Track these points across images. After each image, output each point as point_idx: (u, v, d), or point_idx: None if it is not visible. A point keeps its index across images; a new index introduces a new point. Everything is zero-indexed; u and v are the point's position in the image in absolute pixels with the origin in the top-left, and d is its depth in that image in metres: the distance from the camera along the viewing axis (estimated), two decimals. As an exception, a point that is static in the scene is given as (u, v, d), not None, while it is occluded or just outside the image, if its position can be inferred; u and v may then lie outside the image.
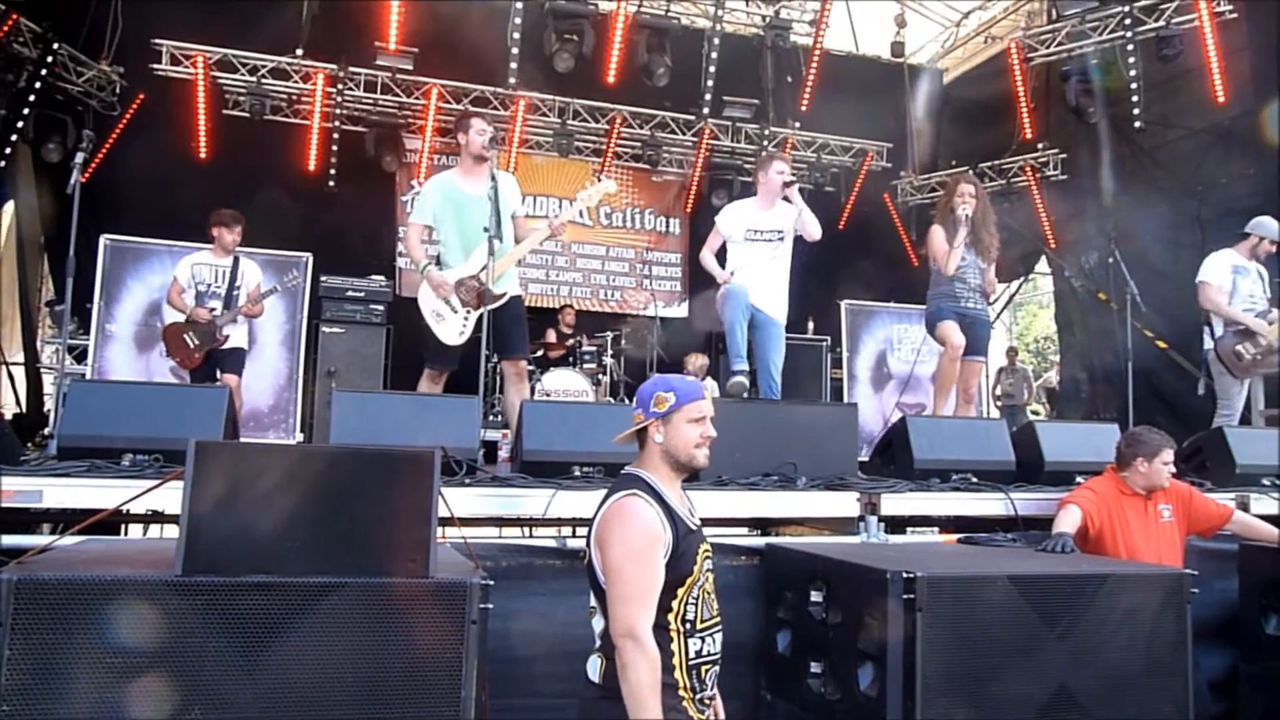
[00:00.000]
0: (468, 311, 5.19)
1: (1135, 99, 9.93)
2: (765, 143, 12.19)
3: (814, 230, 5.55)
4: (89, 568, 2.23)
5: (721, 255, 5.80)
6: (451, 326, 5.21)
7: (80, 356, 8.66)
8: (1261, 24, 8.96)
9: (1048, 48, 10.86)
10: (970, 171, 12.05)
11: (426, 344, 5.27)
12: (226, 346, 6.64)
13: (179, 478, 2.29)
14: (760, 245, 5.61)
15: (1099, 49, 10.34)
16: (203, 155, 10.05)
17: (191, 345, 6.51)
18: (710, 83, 10.94)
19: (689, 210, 12.56)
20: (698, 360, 10.03)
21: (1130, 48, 9.90)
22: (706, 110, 11.35)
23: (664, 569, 2.44)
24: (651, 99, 11.43)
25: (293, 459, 2.42)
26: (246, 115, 10.28)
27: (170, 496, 2.96)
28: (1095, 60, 10.37)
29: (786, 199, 5.59)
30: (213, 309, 6.58)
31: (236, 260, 6.75)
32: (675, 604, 2.47)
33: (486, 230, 4.91)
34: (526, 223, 5.61)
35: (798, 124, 12.20)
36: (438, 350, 5.24)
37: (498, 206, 4.97)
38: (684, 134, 12.04)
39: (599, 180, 5.81)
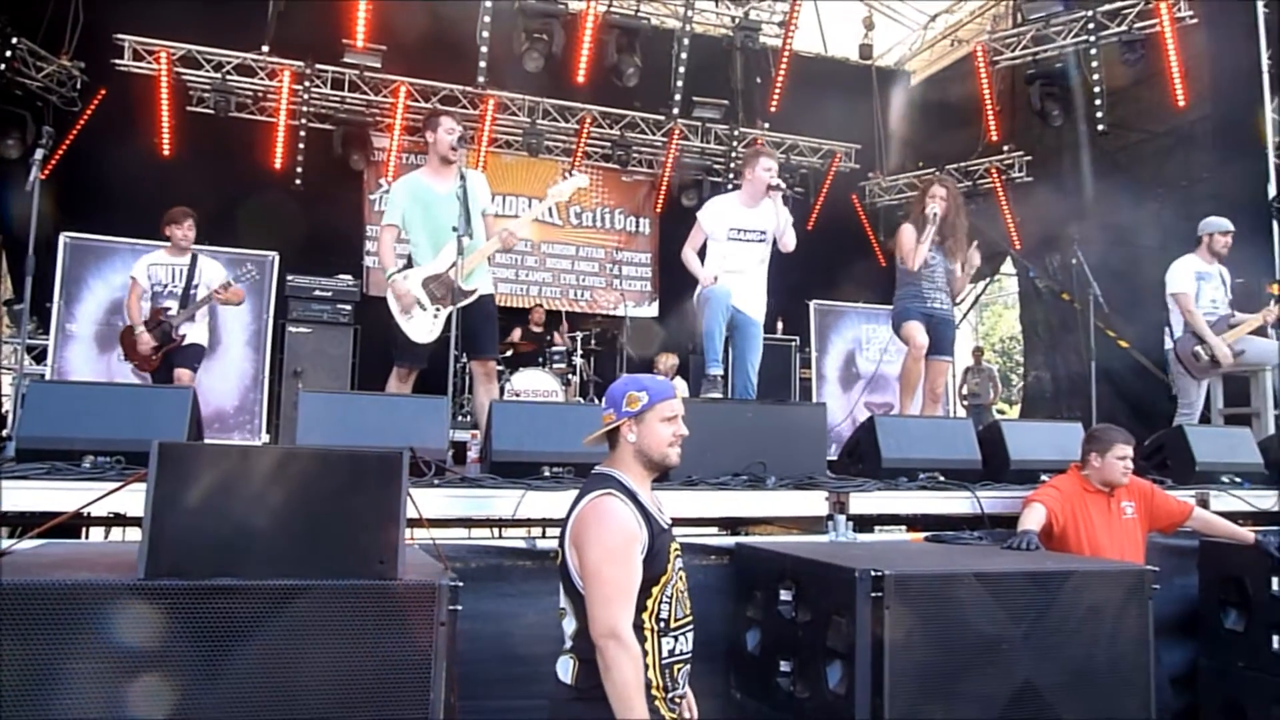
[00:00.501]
0: (438, 308, 5.16)
1: (1099, 103, 10.08)
2: (735, 143, 12.24)
3: (789, 241, 5.58)
4: (48, 572, 2.19)
5: (702, 252, 5.77)
6: (421, 324, 5.16)
7: (39, 357, 8.51)
8: (1221, 29, 9.12)
9: (1013, 51, 11.00)
10: (941, 173, 12.20)
11: (395, 341, 5.23)
12: (185, 344, 6.46)
13: (141, 480, 2.26)
14: (743, 245, 5.59)
15: (1063, 53, 10.48)
16: (166, 152, 9.92)
17: (147, 347, 6.34)
18: (680, 83, 10.98)
19: (659, 210, 12.58)
20: (668, 360, 10.06)
21: (1094, 52, 10.04)
22: (676, 110, 11.38)
23: (641, 567, 2.45)
24: (621, 99, 11.45)
25: (258, 460, 2.39)
26: (211, 112, 10.18)
27: (133, 499, 2.92)
28: (1059, 64, 10.51)
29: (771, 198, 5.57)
30: (168, 308, 6.38)
31: (194, 259, 6.56)
32: (650, 603, 2.48)
33: (455, 230, 4.88)
34: (497, 221, 5.59)
35: (767, 125, 12.26)
36: (406, 348, 5.19)
37: (467, 205, 4.95)
38: (654, 134, 12.06)
39: (570, 175, 5.78)
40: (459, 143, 5.23)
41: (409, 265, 5.29)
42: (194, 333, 6.53)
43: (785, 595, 3.23)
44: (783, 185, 5.56)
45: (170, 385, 5.99)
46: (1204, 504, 4.62)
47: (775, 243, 5.65)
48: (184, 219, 6.50)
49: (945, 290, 5.98)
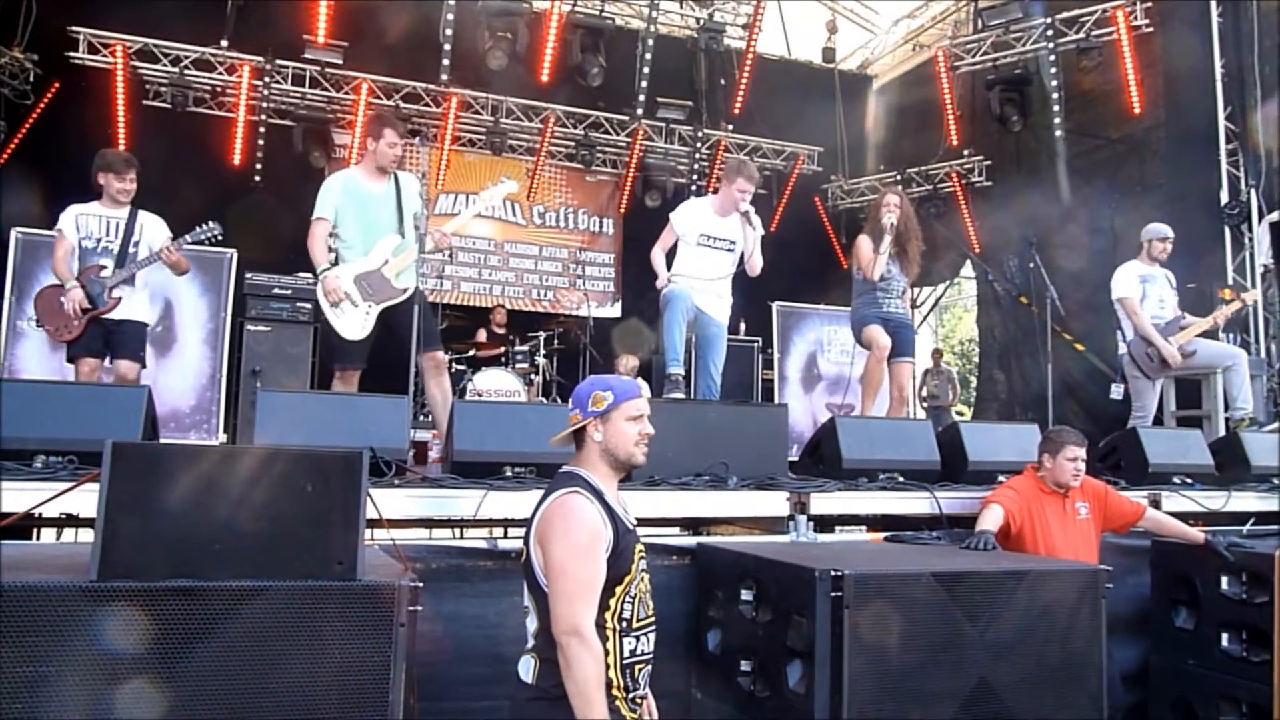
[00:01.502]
0: (369, 305, 5.13)
1: (1057, 109, 10.24)
2: (698, 144, 12.27)
3: (756, 264, 5.63)
4: (-2, 574, 2.15)
5: (671, 253, 5.80)
6: (352, 320, 5.11)
7: (-10, 353, 8.32)
8: (1175, 39, 9.32)
9: (974, 56, 11.15)
10: (901, 177, 12.34)
11: (328, 344, 5.19)
12: (118, 315, 5.35)
13: (95, 480, 2.22)
14: (711, 251, 5.65)
15: (1022, 59, 10.65)
16: (122, 146, 9.72)
17: (71, 310, 5.22)
18: (644, 84, 11.00)
19: (622, 210, 12.59)
20: (629, 361, 10.06)
21: (1052, 59, 10.21)
22: (640, 111, 11.40)
23: (605, 566, 2.45)
24: (585, 99, 11.44)
25: (215, 460, 2.36)
26: (168, 107, 10.01)
27: (85, 499, 2.87)
28: (1018, 70, 10.67)
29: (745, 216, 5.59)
30: (102, 266, 5.33)
31: (134, 213, 5.50)
32: (613, 602, 2.48)
33: (400, 231, 4.91)
34: (433, 222, 5.56)
35: (730, 126, 12.32)
36: (341, 348, 5.15)
37: (400, 204, 4.99)
38: (618, 134, 12.07)
39: (502, 180, 5.74)
40: (397, 159, 5.23)
41: (337, 262, 5.26)
42: (133, 305, 5.47)
43: (746, 595, 3.25)
44: (752, 213, 5.57)
45: (125, 385, 5.38)
46: (1156, 504, 4.71)
47: (743, 259, 5.67)
48: (126, 169, 5.46)
49: (900, 298, 6.10)
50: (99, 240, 5.42)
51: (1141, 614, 4.54)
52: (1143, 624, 4.54)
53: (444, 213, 10.96)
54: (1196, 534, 4.35)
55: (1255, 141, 8.58)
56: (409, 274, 5.22)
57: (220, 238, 5.75)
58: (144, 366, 5.60)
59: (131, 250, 5.44)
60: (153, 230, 5.57)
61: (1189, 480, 5.16)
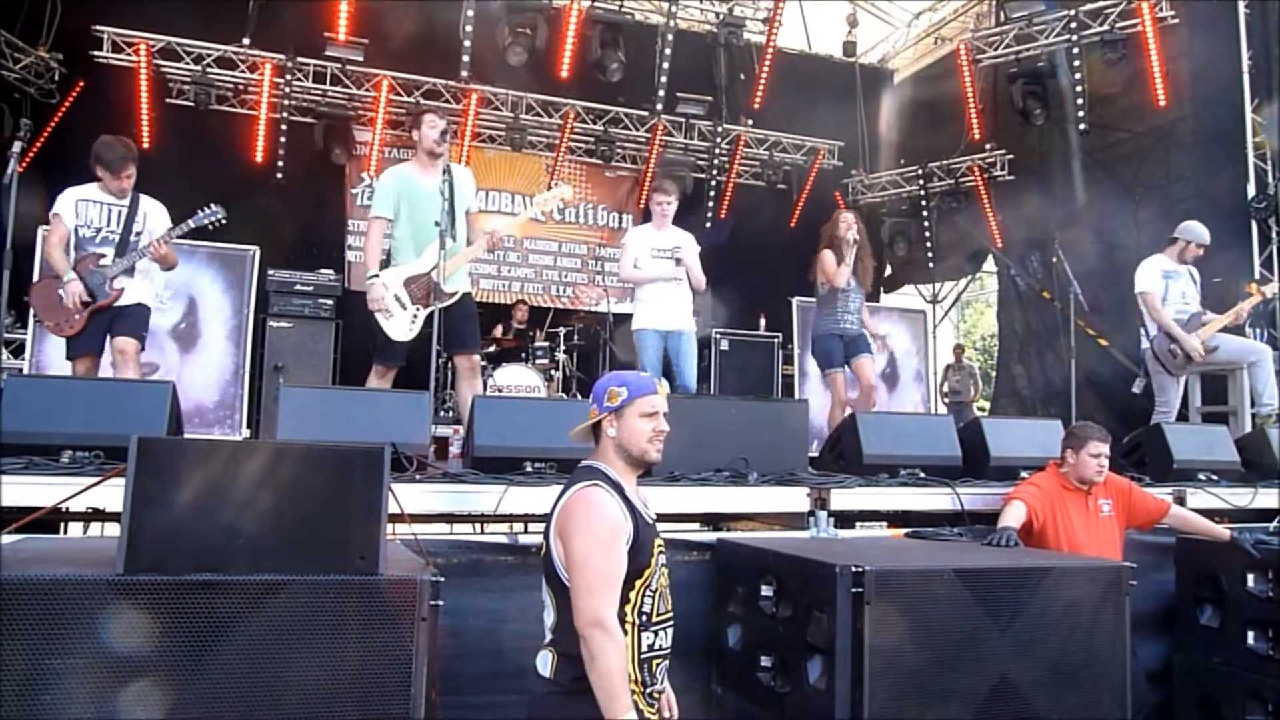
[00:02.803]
0: (417, 308, 5.15)
1: (1080, 102, 10.14)
2: (718, 139, 12.24)
3: (698, 281, 6.32)
4: (26, 567, 2.18)
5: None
6: (400, 323, 5.16)
7: (17, 351, 8.42)
8: (1201, 30, 9.20)
9: (995, 50, 11.05)
10: (920, 176, 12.30)
11: (374, 339, 5.22)
12: (121, 303, 5.18)
13: (120, 475, 2.25)
14: (664, 261, 6.29)
15: (1045, 52, 10.54)
16: (145, 145, 9.80)
17: (70, 303, 5.01)
18: (664, 79, 10.96)
19: (641, 206, 12.55)
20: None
21: (1076, 51, 10.10)
22: (660, 106, 11.37)
23: (626, 559, 2.45)
24: (605, 94, 11.43)
25: (239, 455, 2.38)
26: (191, 105, 10.09)
27: (111, 494, 2.91)
28: (1041, 63, 10.57)
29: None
30: (101, 255, 5.13)
31: (135, 199, 5.29)
32: (633, 596, 2.48)
33: (438, 224, 4.88)
34: (480, 219, 5.59)
35: (750, 121, 12.27)
36: (385, 346, 5.19)
37: (452, 203, 4.95)
38: (637, 130, 12.05)
39: (556, 185, 5.83)
40: (442, 137, 5.23)
41: (388, 262, 5.28)
42: (135, 290, 5.26)
43: (766, 591, 3.24)
44: (679, 259, 6.24)
45: (151, 380, 5.43)
46: (1181, 501, 4.67)
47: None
48: (122, 167, 5.15)
49: (857, 311, 6.67)
50: (99, 230, 5.21)
51: (1166, 612, 4.50)
52: (1167, 622, 4.50)
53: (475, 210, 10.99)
54: (1222, 531, 4.31)
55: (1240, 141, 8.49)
56: (460, 275, 5.25)
57: (224, 221, 5.51)
58: (143, 346, 5.34)
59: (133, 239, 5.23)
60: (155, 218, 5.37)
61: (1214, 477, 5.11)
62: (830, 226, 6.69)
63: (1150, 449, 5.31)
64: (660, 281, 6.23)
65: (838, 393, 6.66)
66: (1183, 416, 6.63)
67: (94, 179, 5.23)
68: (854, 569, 2.79)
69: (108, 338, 5.18)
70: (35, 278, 5.80)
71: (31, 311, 5.47)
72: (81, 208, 5.20)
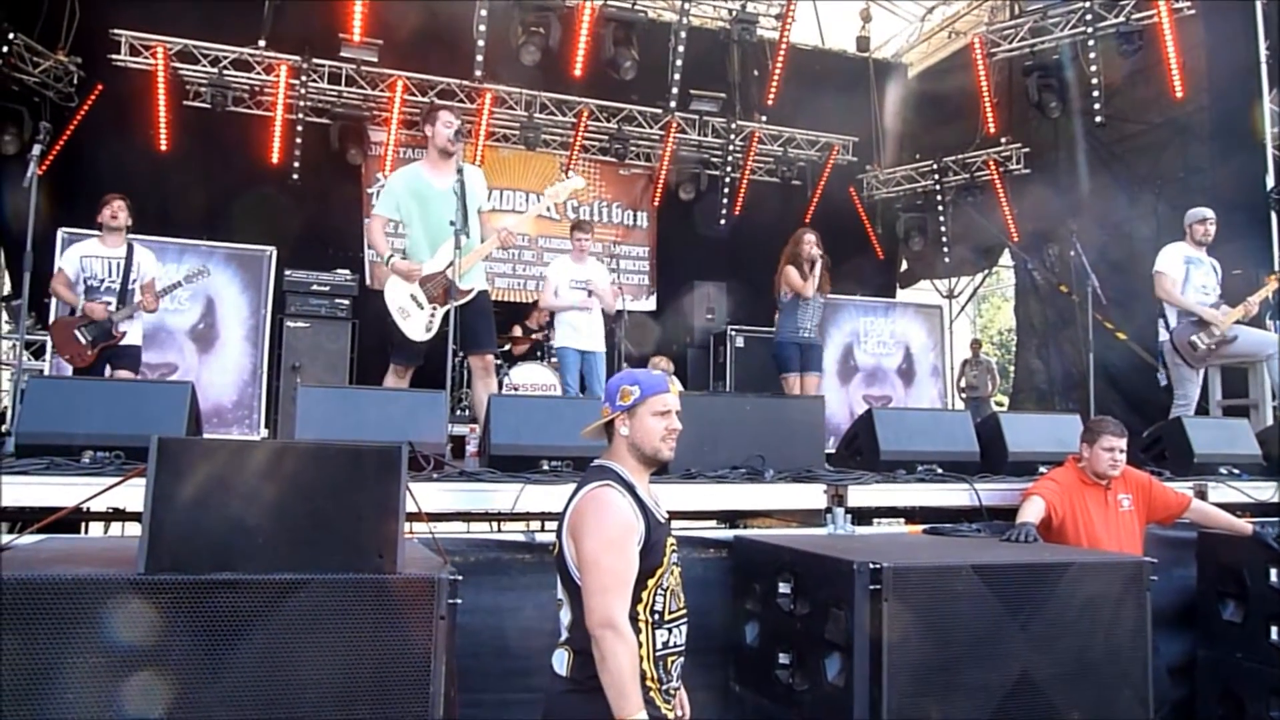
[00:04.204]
0: (434, 307, 5.16)
1: (1096, 94, 10.06)
2: (732, 136, 12.21)
3: (609, 305, 7.46)
4: (49, 567, 2.19)
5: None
6: (417, 322, 5.18)
7: (38, 352, 8.50)
8: (1218, 21, 9.11)
9: (1010, 43, 10.98)
10: (934, 171, 12.25)
11: (392, 339, 5.24)
12: (124, 343, 6.13)
13: (141, 475, 2.26)
14: (579, 291, 7.22)
15: (1060, 44, 10.47)
16: (163, 147, 9.90)
17: (84, 341, 5.97)
18: (677, 76, 10.94)
19: (656, 204, 12.56)
20: (662, 363, 10.04)
21: (1091, 43, 10.03)
22: (674, 104, 11.35)
23: (638, 558, 2.46)
24: (619, 92, 11.42)
25: (257, 455, 2.39)
26: (208, 107, 10.15)
27: (132, 494, 2.92)
28: (1056, 56, 10.50)
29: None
30: (107, 303, 6.04)
31: (130, 249, 6.19)
32: (645, 594, 2.49)
33: (453, 224, 4.89)
34: (491, 218, 5.60)
35: (764, 118, 12.25)
36: (403, 345, 5.21)
37: (464, 201, 4.95)
38: (651, 127, 12.04)
39: (567, 177, 5.86)
40: (457, 135, 5.23)
41: (405, 257, 5.30)
42: (131, 332, 6.22)
43: (784, 588, 3.23)
44: (590, 291, 7.25)
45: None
46: (1202, 496, 4.64)
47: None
48: (116, 228, 6.12)
49: (815, 320, 7.44)
50: (102, 280, 6.09)
51: (1188, 607, 4.47)
52: (1189, 617, 4.46)
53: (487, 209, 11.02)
54: (1244, 525, 4.27)
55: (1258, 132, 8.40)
56: (475, 273, 5.26)
57: (208, 276, 6.95)
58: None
59: (131, 287, 6.15)
60: (147, 265, 6.29)
61: (1236, 471, 5.06)
62: (793, 244, 7.39)
63: (1170, 443, 5.26)
64: (576, 310, 7.17)
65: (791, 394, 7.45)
66: (1203, 410, 6.56)
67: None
68: (872, 566, 2.79)
69: (107, 369, 6.08)
70: (53, 314, 6.77)
71: (50, 345, 6.44)
72: (85, 263, 6.11)
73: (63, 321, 6.16)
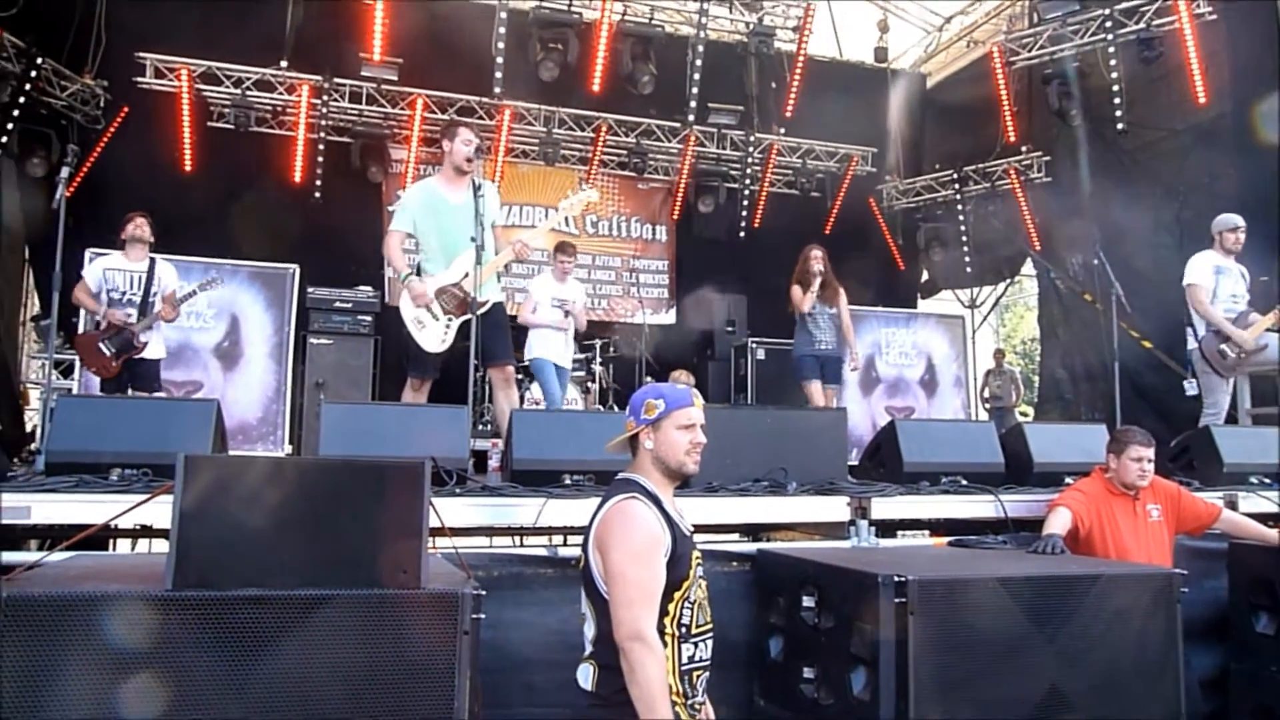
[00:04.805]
0: (449, 319, 5.19)
1: (1117, 101, 10.00)
2: (751, 149, 12.22)
3: (580, 326, 7.64)
4: (78, 583, 2.22)
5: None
6: (433, 334, 5.20)
7: (67, 371, 8.61)
8: (1240, 25, 9.04)
9: (1029, 51, 10.93)
10: (955, 180, 12.21)
11: (407, 352, 5.27)
12: (144, 356, 6.32)
13: (168, 492, 2.28)
14: (556, 311, 7.39)
15: (1080, 51, 10.42)
16: (188, 167, 10.02)
17: (108, 353, 6.17)
18: (695, 90, 10.97)
19: (675, 217, 12.58)
20: (683, 376, 10.03)
21: (1112, 50, 9.97)
22: (692, 117, 11.37)
23: (665, 571, 2.45)
24: (637, 107, 11.46)
25: (282, 472, 2.41)
26: (231, 127, 10.26)
27: (159, 511, 2.95)
28: (1076, 63, 10.44)
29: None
30: (128, 315, 6.23)
31: (152, 263, 6.40)
32: (672, 607, 2.48)
33: (474, 240, 4.93)
34: (505, 233, 5.63)
35: (782, 130, 12.24)
36: (419, 358, 5.23)
37: (481, 215, 5.00)
38: (669, 141, 12.07)
39: (581, 189, 5.89)
40: (475, 154, 5.27)
41: (418, 274, 5.33)
42: (153, 345, 6.39)
43: (808, 601, 3.22)
44: (568, 311, 7.43)
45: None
46: (1232, 505, 4.57)
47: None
48: (139, 240, 6.32)
49: (831, 330, 7.63)
50: (124, 293, 6.29)
51: (1219, 619, 4.39)
52: (1220, 629, 4.39)
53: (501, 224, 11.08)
54: (1275, 535, 4.21)
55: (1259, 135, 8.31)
56: (489, 286, 5.29)
57: (222, 284, 7.10)
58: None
59: (151, 300, 6.32)
60: (168, 277, 6.48)
61: (1266, 480, 4.99)
62: (800, 260, 7.65)
63: (1199, 452, 5.20)
64: (552, 328, 7.39)
65: (813, 401, 7.61)
66: (1231, 419, 6.49)
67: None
68: (897, 579, 2.77)
69: (129, 388, 6.27)
70: (80, 329, 6.94)
71: (77, 356, 6.57)
72: (108, 275, 6.29)
73: (87, 335, 6.36)
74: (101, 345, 6.19)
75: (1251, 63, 8.79)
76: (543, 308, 7.41)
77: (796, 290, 7.60)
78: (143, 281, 6.33)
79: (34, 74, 8.91)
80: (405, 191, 5.54)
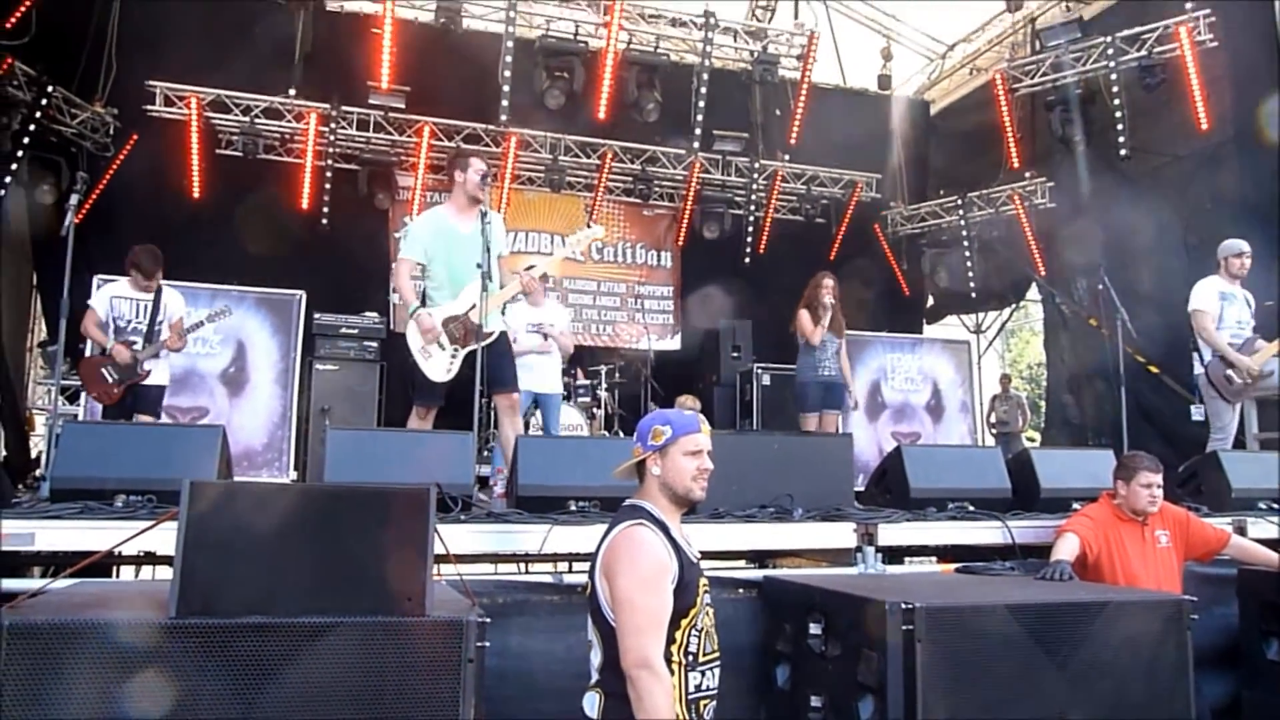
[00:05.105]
0: (455, 349, 5.20)
1: (1120, 127, 10.04)
2: (755, 175, 12.29)
3: (565, 345, 7.42)
4: (82, 611, 2.21)
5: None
6: (439, 363, 5.21)
7: (73, 397, 8.62)
8: (1242, 51, 9.09)
9: (1032, 78, 11.00)
10: (959, 206, 12.24)
11: (413, 381, 5.27)
12: (147, 382, 6.32)
13: (173, 518, 2.28)
14: (535, 336, 7.22)
15: (1083, 78, 10.47)
16: (196, 195, 10.09)
17: (110, 380, 6.17)
18: (700, 117, 11.04)
19: (680, 243, 12.62)
20: (689, 402, 10.03)
21: (1114, 77, 10.03)
22: (697, 144, 11.44)
23: (672, 598, 2.44)
24: (642, 134, 11.52)
25: (287, 498, 2.41)
26: (240, 154, 10.34)
27: (163, 537, 2.94)
28: (1079, 89, 10.50)
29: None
30: (133, 343, 6.24)
31: (159, 292, 6.40)
32: (679, 635, 2.47)
33: (480, 267, 4.95)
34: (510, 261, 5.65)
35: (787, 156, 12.30)
36: (424, 387, 5.23)
37: (488, 245, 5.02)
38: (674, 167, 12.13)
39: (589, 226, 5.96)
40: (484, 181, 5.31)
41: (424, 303, 5.35)
42: (157, 372, 6.39)
43: (815, 629, 3.19)
44: (546, 335, 7.26)
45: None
46: (1241, 531, 4.54)
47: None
48: (153, 270, 6.25)
49: (835, 359, 7.63)
50: (130, 321, 6.29)
51: (1230, 646, 4.35)
52: (1231, 656, 4.35)
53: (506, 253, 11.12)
54: (1285, 561, 4.18)
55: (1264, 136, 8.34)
56: (495, 316, 5.30)
57: (231, 313, 6.96)
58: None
59: (157, 328, 6.32)
60: (174, 306, 6.46)
61: (1276, 505, 4.96)
62: (811, 287, 7.62)
63: (1207, 478, 5.17)
64: (534, 353, 7.15)
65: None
66: (1239, 444, 6.46)
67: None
68: (904, 606, 2.75)
69: (133, 416, 6.21)
70: (86, 353, 6.91)
71: (80, 383, 6.52)
72: (115, 303, 6.29)
73: (91, 360, 6.39)
74: (104, 371, 6.20)
75: (1253, 89, 8.83)
76: (520, 334, 7.13)
77: (805, 317, 7.58)
78: (149, 310, 6.36)
79: (44, 102, 9.00)
80: (413, 220, 5.56)
